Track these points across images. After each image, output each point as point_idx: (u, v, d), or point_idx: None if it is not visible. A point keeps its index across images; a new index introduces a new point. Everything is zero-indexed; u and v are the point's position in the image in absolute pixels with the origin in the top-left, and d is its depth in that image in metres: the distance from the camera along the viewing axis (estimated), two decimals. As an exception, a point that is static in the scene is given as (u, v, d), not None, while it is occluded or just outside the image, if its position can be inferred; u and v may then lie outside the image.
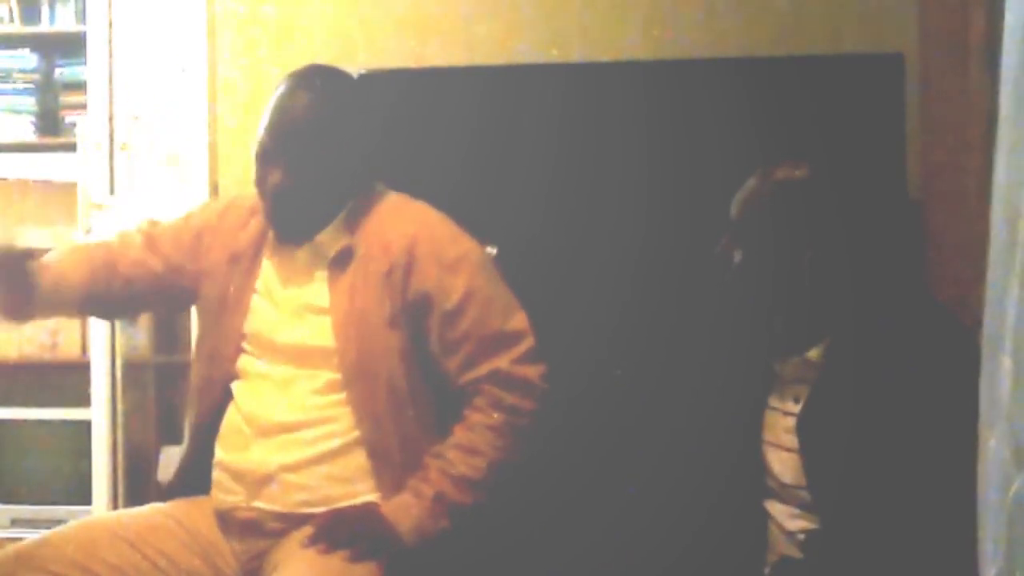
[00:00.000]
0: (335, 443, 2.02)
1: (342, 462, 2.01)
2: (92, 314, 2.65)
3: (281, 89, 2.09)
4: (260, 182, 2.07)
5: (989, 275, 1.19)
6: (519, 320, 2.09)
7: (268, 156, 2.05)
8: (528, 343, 2.07)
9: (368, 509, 1.98)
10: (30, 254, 2.09)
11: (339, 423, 2.02)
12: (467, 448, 2.01)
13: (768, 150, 2.37)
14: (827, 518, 1.87)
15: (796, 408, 1.92)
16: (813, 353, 1.90)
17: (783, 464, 1.93)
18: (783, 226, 1.88)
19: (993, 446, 1.16)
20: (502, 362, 2.04)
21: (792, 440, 1.91)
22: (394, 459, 2.02)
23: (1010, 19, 1.20)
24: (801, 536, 1.90)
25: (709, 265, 1.97)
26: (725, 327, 2.11)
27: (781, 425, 1.94)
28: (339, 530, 1.93)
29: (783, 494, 1.93)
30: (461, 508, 1.99)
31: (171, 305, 2.56)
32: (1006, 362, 1.14)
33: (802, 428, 1.89)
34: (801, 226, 1.88)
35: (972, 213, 2.70)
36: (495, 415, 2.02)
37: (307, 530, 1.95)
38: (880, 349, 1.84)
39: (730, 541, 1.97)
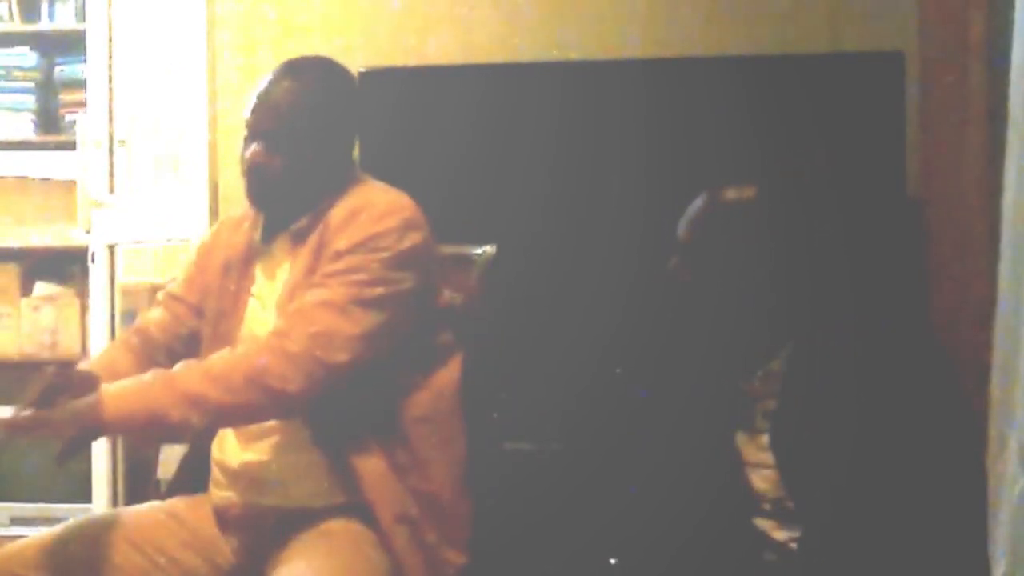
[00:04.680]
0: None
1: None
2: None
3: (270, 75, 2.10)
4: (242, 160, 2.07)
5: (1000, 268, 1.18)
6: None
7: (250, 134, 2.06)
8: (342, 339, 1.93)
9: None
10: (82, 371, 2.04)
11: None
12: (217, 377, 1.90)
13: (768, 149, 2.37)
14: (813, 527, 1.85)
15: (767, 425, 1.90)
16: (775, 364, 1.89)
17: (766, 482, 1.93)
18: (732, 247, 1.88)
19: (1012, 446, 1.16)
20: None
21: (770, 457, 1.89)
22: None
23: (1019, 19, 1.19)
24: (792, 545, 1.89)
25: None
26: (691, 350, 2.07)
27: (756, 444, 1.94)
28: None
29: (769, 510, 1.93)
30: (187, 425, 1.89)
31: None
32: (1021, 366, 1.13)
33: (775, 443, 1.88)
34: (751, 246, 1.87)
35: (972, 212, 2.71)
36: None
37: (307, 529, 1.96)
38: (838, 351, 1.83)
39: (718, 558, 1.95)
